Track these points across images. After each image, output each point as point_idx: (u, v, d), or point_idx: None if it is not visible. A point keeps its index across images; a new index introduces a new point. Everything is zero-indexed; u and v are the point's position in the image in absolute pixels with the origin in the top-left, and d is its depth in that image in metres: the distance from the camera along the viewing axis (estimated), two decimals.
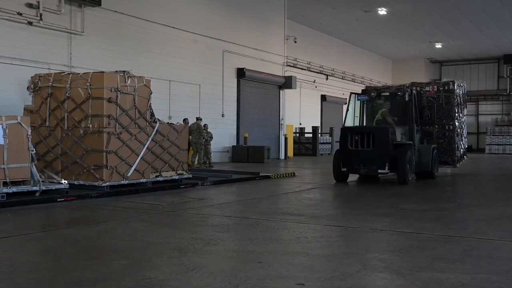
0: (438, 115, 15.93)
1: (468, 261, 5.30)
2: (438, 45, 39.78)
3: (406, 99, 14.08)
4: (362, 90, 15.44)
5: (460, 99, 16.64)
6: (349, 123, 14.92)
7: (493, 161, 29.49)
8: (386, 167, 12.97)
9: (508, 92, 44.75)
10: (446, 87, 16.14)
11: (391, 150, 13.04)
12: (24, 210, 8.53)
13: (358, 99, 15.05)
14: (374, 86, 15.93)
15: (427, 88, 16.10)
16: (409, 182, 13.19)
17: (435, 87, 16.26)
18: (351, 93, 15.26)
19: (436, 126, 15.95)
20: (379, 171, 13.27)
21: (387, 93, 14.71)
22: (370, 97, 14.77)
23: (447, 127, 16.07)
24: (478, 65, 46.41)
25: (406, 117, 14.15)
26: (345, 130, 13.82)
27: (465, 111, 17.65)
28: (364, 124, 15.06)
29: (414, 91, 14.51)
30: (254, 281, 4.44)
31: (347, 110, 15.03)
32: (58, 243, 6.14)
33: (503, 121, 43.46)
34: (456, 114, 16.12)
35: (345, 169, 13.55)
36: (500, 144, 41.80)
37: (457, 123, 16.18)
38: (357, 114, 15.42)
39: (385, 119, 14.40)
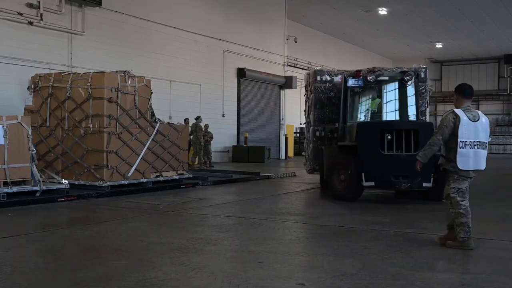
0: None
1: (468, 261, 5.30)
2: (439, 45, 39.78)
3: (411, 85, 11.13)
4: (356, 71, 11.47)
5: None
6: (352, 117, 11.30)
7: (494, 161, 29.46)
8: (431, 180, 9.36)
9: (508, 92, 44.73)
10: (417, 76, 12.46)
11: (438, 156, 8.39)
12: (24, 210, 8.54)
13: (349, 85, 11.34)
14: (370, 67, 11.79)
15: None
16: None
17: None
18: (344, 76, 11.57)
19: None
20: (424, 185, 9.41)
21: (386, 78, 11.40)
22: (366, 82, 11.23)
23: None
24: (478, 65, 46.40)
25: (405, 108, 11.23)
26: (370, 127, 10.02)
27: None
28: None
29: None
30: (254, 281, 4.44)
31: (344, 98, 11.39)
32: (58, 243, 6.14)
33: (504, 121, 43.51)
34: (428, 109, 12.93)
35: (371, 183, 9.54)
36: (501, 144, 41.91)
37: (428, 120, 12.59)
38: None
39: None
